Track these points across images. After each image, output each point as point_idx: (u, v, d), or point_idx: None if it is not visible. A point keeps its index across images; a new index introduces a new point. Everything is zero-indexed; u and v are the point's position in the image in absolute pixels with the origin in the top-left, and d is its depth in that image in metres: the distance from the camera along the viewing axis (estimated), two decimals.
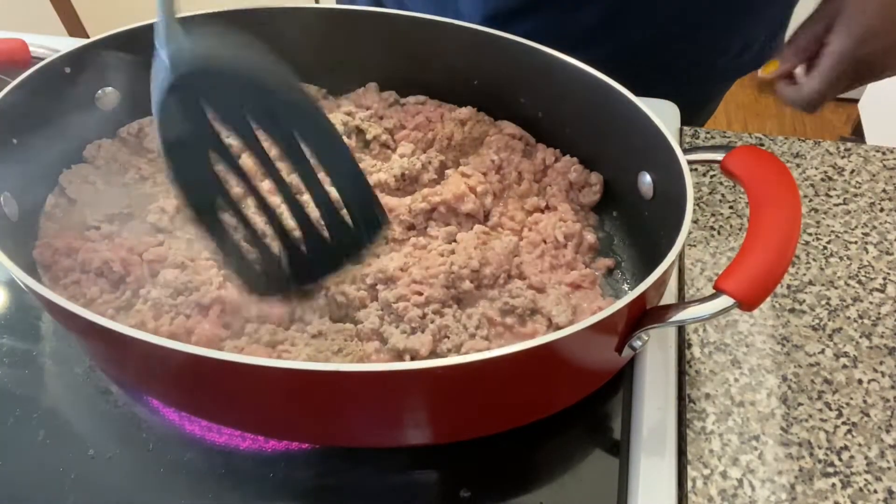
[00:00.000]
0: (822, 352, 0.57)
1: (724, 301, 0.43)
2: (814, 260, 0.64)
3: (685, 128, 0.74)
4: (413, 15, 0.64)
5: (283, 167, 0.46)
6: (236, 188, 0.50)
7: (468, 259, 0.56)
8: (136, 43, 0.62)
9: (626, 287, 0.59)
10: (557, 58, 0.59)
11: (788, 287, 0.62)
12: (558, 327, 0.52)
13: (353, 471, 0.51)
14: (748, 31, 0.79)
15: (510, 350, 0.39)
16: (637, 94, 0.56)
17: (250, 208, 0.48)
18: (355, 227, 0.48)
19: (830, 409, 0.54)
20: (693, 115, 0.73)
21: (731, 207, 0.68)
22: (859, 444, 0.52)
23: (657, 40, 0.75)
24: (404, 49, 0.67)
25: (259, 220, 0.48)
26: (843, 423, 0.53)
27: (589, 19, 0.72)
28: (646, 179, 0.56)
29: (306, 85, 0.70)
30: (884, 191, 0.70)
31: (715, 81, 0.86)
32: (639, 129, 0.54)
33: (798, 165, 0.73)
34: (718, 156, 0.52)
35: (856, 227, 0.67)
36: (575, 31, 0.73)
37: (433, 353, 0.51)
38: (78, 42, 0.59)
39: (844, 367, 0.57)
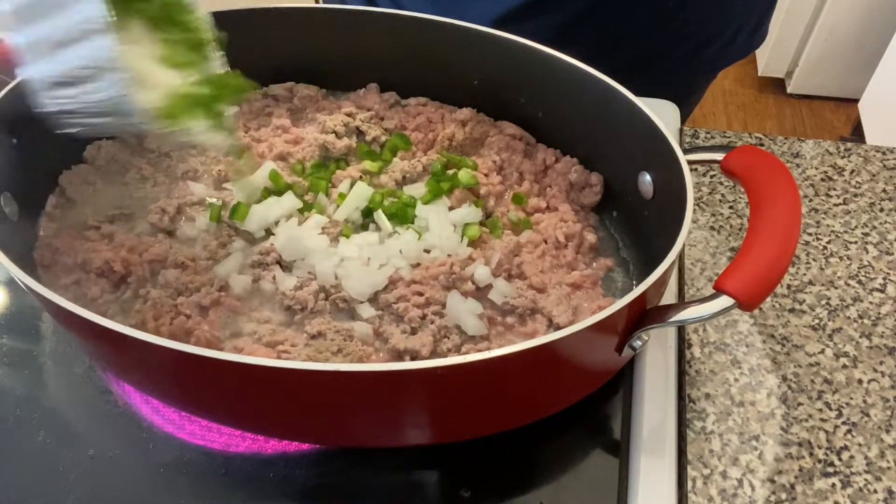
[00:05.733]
0: (822, 352, 0.57)
1: (724, 301, 0.43)
2: (814, 260, 0.64)
3: (685, 128, 0.74)
4: (413, 15, 0.64)
5: None
6: None
7: (468, 259, 0.56)
8: None
9: (626, 287, 0.59)
10: (557, 58, 0.59)
11: (788, 287, 0.62)
12: (559, 327, 0.52)
13: (352, 471, 0.51)
14: (740, 16, 0.79)
15: (510, 350, 0.39)
16: (625, 86, 0.56)
17: None
18: None
19: (830, 409, 0.54)
20: (678, 106, 0.73)
21: (731, 207, 0.68)
22: (859, 444, 0.52)
23: (653, 26, 0.75)
24: (405, 49, 0.67)
25: None
26: (843, 423, 0.53)
27: (582, 7, 0.73)
28: (646, 179, 0.56)
29: (307, 85, 0.70)
30: (884, 191, 0.70)
31: (702, 71, 0.86)
32: (639, 129, 0.54)
33: (798, 165, 0.73)
34: (718, 156, 0.52)
35: (856, 227, 0.67)
36: (569, 23, 0.73)
37: (433, 353, 0.51)
38: None
39: (844, 367, 0.56)
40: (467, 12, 0.74)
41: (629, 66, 0.63)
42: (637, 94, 0.55)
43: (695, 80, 0.88)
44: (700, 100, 0.93)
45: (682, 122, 0.75)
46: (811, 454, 0.51)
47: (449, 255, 0.56)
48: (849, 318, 0.60)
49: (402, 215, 0.59)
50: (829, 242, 0.65)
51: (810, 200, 0.69)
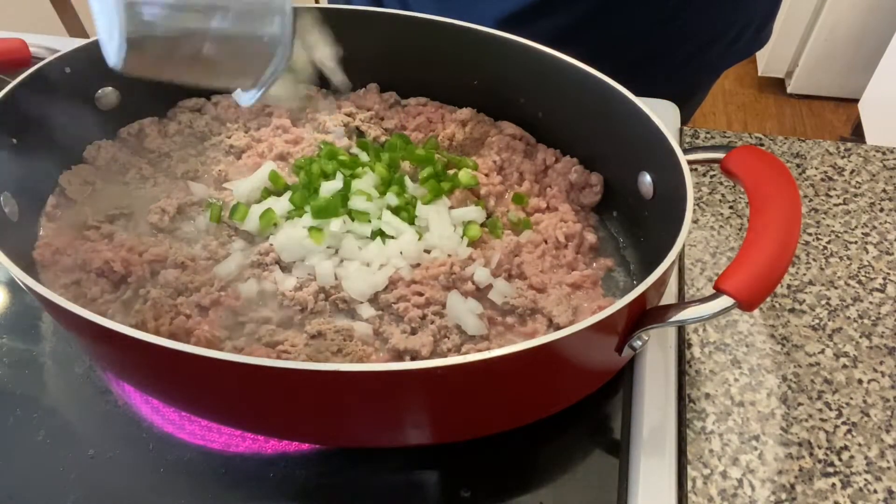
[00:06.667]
0: (822, 352, 0.57)
1: (724, 301, 0.43)
2: (814, 260, 0.64)
3: (685, 128, 0.74)
4: (414, 15, 0.64)
5: None
6: None
7: (468, 259, 0.56)
8: None
9: (627, 287, 0.59)
10: (557, 58, 0.59)
11: (788, 287, 0.62)
12: (559, 327, 0.52)
13: (352, 471, 0.51)
14: (744, 16, 0.79)
15: (510, 350, 0.39)
16: (628, 86, 0.56)
17: None
18: None
19: (830, 409, 0.54)
20: (680, 108, 0.73)
21: (731, 207, 0.68)
22: (859, 444, 0.52)
23: (656, 26, 0.75)
24: (405, 49, 0.67)
25: None
26: (843, 423, 0.53)
27: (587, 8, 0.73)
28: (646, 179, 0.56)
29: (307, 85, 0.70)
30: (884, 191, 0.70)
31: (705, 72, 0.87)
32: (639, 129, 0.54)
33: (798, 165, 0.73)
34: (718, 156, 0.52)
35: (856, 227, 0.67)
36: (573, 23, 0.74)
37: (433, 353, 0.51)
38: (78, 42, 0.59)
39: (844, 367, 0.56)
40: (473, 12, 0.74)
41: (632, 66, 0.63)
42: (640, 94, 0.55)
43: (698, 80, 0.88)
44: (703, 100, 0.93)
45: (685, 122, 0.75)
46: (811, 454, 0.51)
47: (449, 255, 0.56)
48: (849, 318, 0.60)
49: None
50: (829, 242, 0.65)
51: (810, 200, 0.69)
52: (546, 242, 0.59)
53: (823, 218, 0.68)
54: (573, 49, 0.59)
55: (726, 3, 0.77)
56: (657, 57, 0.78)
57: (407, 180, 0.61)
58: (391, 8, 0.66)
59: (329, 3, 0.87)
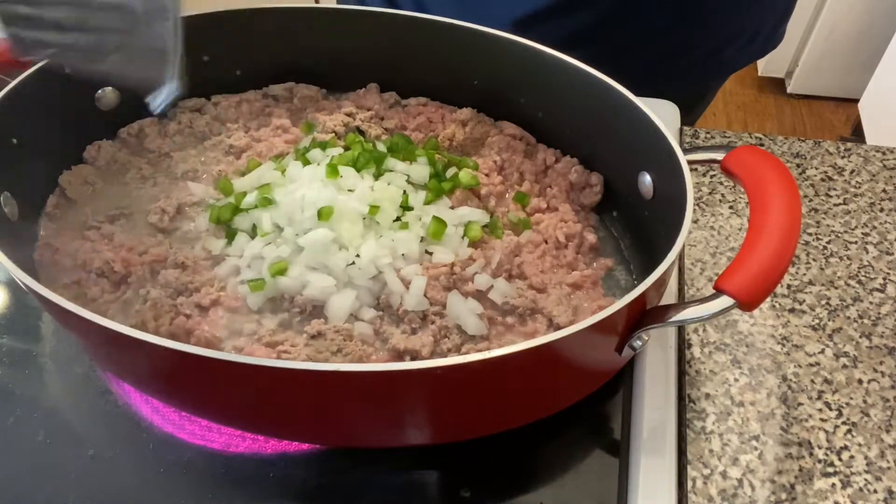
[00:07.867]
0: (822, 352, 0.57)
1: (724, 301, 0.43)
2: (814, 260, 0.64)
3: (685, 128, 0.74)
4: (414, 15, 0.64)
5: None
6: None
7: (469, 259, 0.56)
8: None
9: (628, 286, 0.59)
10: (557, 58, 0.59)
11: (788, 287, 0.62)
12: (559, 327, 0.52)
13: (352, 471, 0.51)
14: (762, 15, 0.79)
15: (510, 350, 0.39)
16: (638, 90, 0.56)
17: None
18: None
19: (830, 409, 0.54)
20: (690, 110, 0.73)
21: (731, 207, 0.68)
22: (859, 444, 0.52)
23: (674, 26, 0.75)
24: (405, 49, 0.67)
25: None
26: (843, 423, 0.53)
27: (609, 7, 0.72)
28: (646, 179, 0.56)
29: (307, 85, 0.70)
30: (884, 191, 0.70)
31: (719, 72, 0.86)
32: (639, 129, 0.54)
33: (798, 165, 0.73)
34: (718, 156, 0.52)
35: (856, 227, 0.67)
36: (594, 23, 0.73)
37: (433, 353, 0.51)
38: None
39: (844, 367, 0.57)
40: (490, 13, 0.73)
41: (648, 66, 0.63)
42: (653, 95, 0.55)
43: (711, 81, 0.87)
44: (711, 102, 0.93)
45: (692, 123, 0.75)
46: (811, 454, 0.51)
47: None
48: (849, 318, 0.60)
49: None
50: (829, 242, 0.65)
51: (810, 200, 0.69)
52: (546, 242, 0.59)
53: (823, 218, 0.68)
54: (589, 50, 0.59)
55: (746, 1, 0.76)
56: (673, 57, 0.78)
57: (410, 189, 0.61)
58: (406, 9, 0.66)
59: (338, 2, 0.87)
